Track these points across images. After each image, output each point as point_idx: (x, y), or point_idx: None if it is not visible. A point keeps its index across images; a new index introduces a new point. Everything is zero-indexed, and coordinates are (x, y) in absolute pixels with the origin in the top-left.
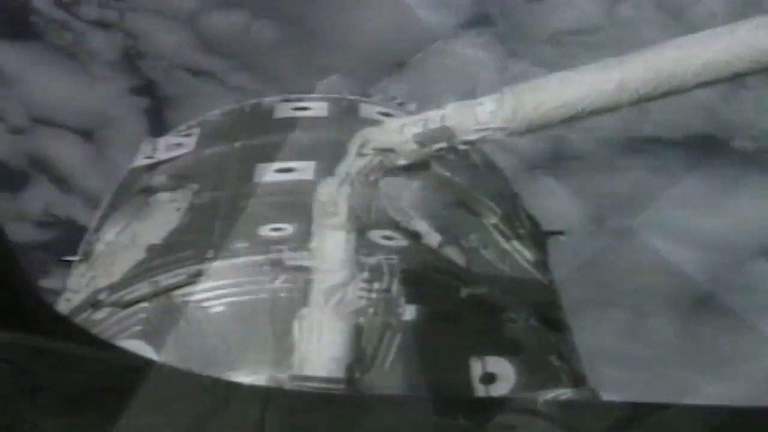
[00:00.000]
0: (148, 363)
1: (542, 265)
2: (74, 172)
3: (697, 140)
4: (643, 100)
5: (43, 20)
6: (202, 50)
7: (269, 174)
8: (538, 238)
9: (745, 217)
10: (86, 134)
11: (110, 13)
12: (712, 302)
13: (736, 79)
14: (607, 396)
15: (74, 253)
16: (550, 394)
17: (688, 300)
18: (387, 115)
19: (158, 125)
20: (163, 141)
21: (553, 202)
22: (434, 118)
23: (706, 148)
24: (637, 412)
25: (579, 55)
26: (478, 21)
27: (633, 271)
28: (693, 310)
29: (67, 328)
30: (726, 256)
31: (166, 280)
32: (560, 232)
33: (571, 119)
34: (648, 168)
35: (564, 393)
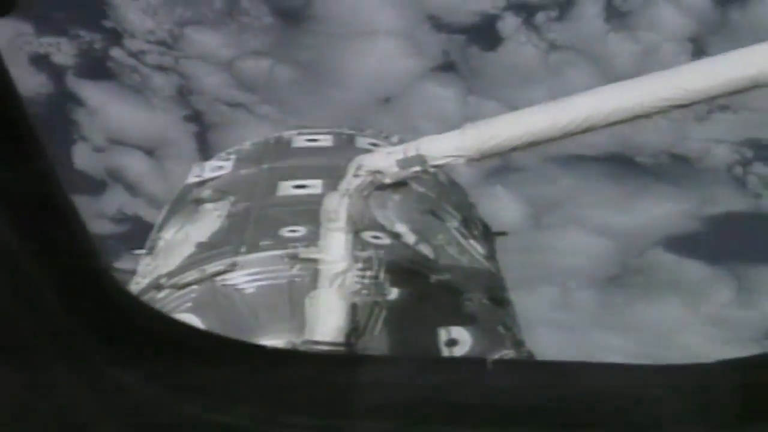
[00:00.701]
0: (196, 330)
1: (491, 257)
2: (140, 180)
3: (610, 157)
4: (569, 135)
5: (117, 65)
6: (236, 88)
7: (288, 189)
8: (488, 236)
9: (646, 215)
10: (149, 152)
11: (168, 59)
12: (620, 280)
13: (639, 120)
14: (540, 356)
15: (140, 243)
16: (497, 355)
17: (602, 278)
18: (376, 145)
19: (204, 145)
20: (209, 164)
21: (501, 203)
22: (412, 148)
23: (617, 163)
24: (564, 369)
25: (520, 91)
26: (445, 66)
27: (561, 256)
28: (606, 286)
29: (135, 304)
30: (631, 245)
31: (210, 268)
32: (504, 233)
33: (516, 149)
34: (574, 178)
35: (507, 354)
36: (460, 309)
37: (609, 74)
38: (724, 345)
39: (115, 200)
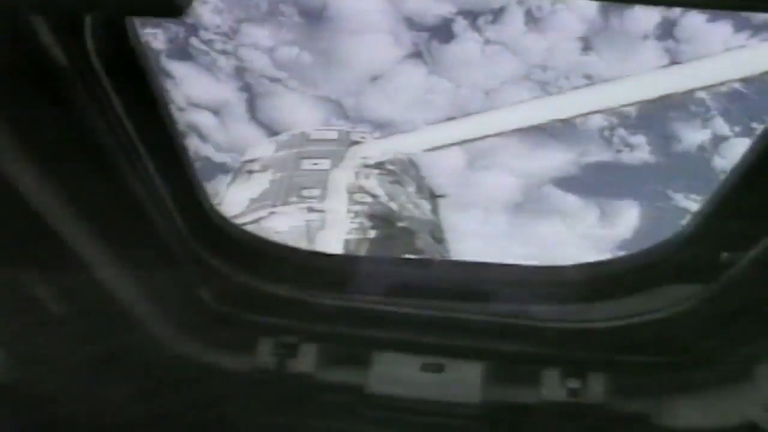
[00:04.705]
0: (261, 238)
1: (434, 211)
2: (209, 132)
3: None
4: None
5: (195, 50)
6: (275, 68)
7: (308, 165)
8: (433, 197)
9: (543, 162)
10: (215, 111)
11: (229, 46)
12: (523, 206)
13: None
14: None
15: (207, 175)
16: None
17: (511, 205)
18: (364, 138)
19: (252, 107)
20: (259, 147)
21: (449, 151)
22: (385, 143)
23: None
24: (475, 265)
25: (465, 73)
26: (414, 54)
27: (485, 189)
28: (514, 210)
29: (223, 219)
30: (532, 182)
31: (258, 215)
32: (443, 195)
33: (450, 145)
34: (497, 136)
35: None
36: (413, 244)
37: (526, 62)
38: (589, 252)
39: (191, 145)
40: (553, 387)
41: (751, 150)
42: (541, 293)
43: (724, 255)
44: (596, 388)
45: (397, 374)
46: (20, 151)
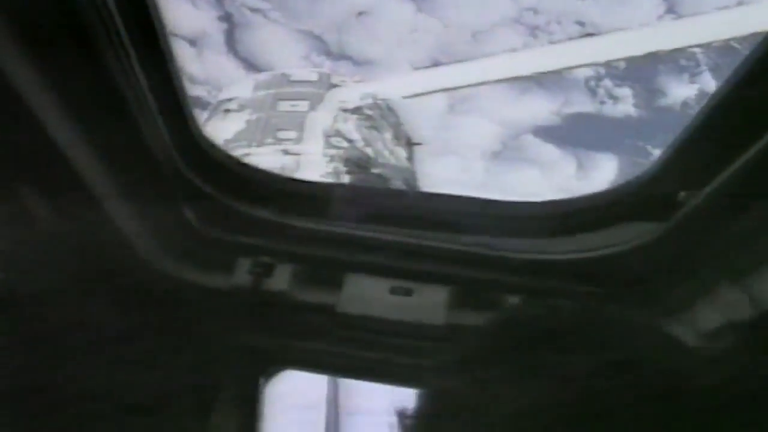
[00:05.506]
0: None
1: (410, 158)
2: (184, 63)
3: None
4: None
5: None
6: None
7: (285, 107)
8: (409, 145)
9: (524, 110)
10: (192, 42)
11: None
12: (501, 154)
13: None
14: None
15: None
16: None
17: (489, 153)
18: (344, 82)
19: (230, 39)
20: (237, 86)
21: (432, 96)
22: (366, 87)
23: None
24: (458, 200)
25: (454, 12)
26: None
27: (464, 135)
28: (493, 158)
29: (213, 146)
30: (511, 130)
31: (233, 154)
32: (420, 143)
33: (431, 93)
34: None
35: None
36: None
37: (517, 4)
38: None
39: None
40: None
41: (714, 96)
42: (508, 226)
43: (681, 195)
44: None
45: (367, 296)
46: (30, 69)
